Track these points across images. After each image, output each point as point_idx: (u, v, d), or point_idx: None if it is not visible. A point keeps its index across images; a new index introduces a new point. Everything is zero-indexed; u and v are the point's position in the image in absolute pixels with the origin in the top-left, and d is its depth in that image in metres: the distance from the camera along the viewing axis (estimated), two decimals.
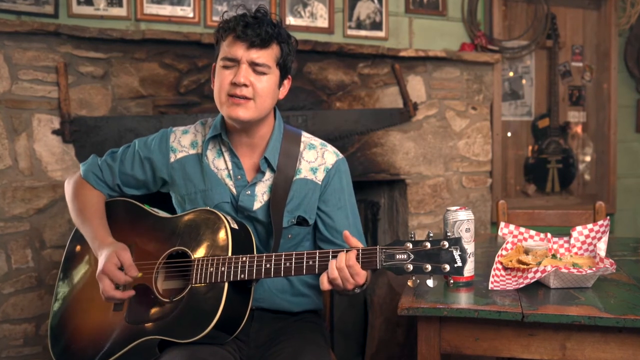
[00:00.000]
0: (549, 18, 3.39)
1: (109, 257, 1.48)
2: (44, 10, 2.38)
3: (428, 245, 1.32)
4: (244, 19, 1.51)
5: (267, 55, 1.53)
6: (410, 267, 1.31)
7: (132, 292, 1.50)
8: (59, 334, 1.58)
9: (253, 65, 1.51)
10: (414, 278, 1.33)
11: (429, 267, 1.30)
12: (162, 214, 1.65)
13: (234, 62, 1.51)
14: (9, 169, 2.31)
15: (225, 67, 1.52)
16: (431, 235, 1.34)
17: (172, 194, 1.71)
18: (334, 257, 1.38)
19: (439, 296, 1.43)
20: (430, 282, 1.32)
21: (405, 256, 1.33)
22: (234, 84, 1.50)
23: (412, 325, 2.69)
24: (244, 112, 1.52)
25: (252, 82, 1.51)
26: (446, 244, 1.31)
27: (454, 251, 1.30)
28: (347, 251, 1.37)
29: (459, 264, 1.30)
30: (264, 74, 1.53)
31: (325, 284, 1.38)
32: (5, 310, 2.33)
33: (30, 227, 2.35)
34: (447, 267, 1.29)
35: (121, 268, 1.48)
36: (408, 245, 1.33)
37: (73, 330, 1.57)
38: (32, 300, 2.36)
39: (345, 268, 1.36)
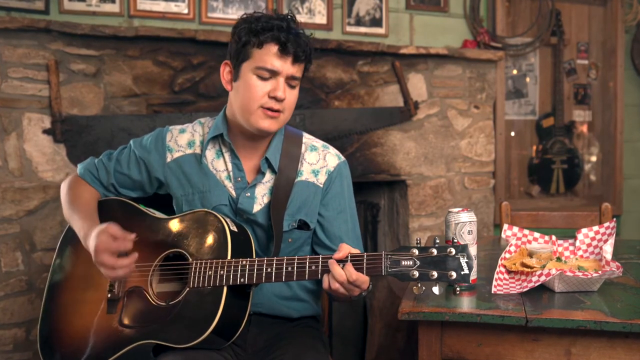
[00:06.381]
0: (553, 14, 3.35)
1: (99, 233, 1.42)
2: (34, 7, 2.35)
3: (434, 251, 1.31)
4: (289, 30, 1.46)
5: (301, 69, 1.53)
6: (416, 273, 1.30)
7: (135, 256, 1.43)
8: (49, 338, 1.55)
9: (289, 79, 1.50)
10: (419, 285, 1.32)
11: (435, 274, 1.29)
12: (158, 214, 1.62)
13: (273, 73, 1.48)
14: None
15: (261, 77, 1.48)
16: (437, 241, 1.33)
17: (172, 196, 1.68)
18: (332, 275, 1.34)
19: (441, 300, 1.42)
20: (436, 290, 1.31)
21: (411, 262, 1.31)
22: (273, 98, 1.48)
23: (412, 330, 2.64)
24: (274, 125, 1.52)
25: (286, 96, 1.50)
26: (453, 250, 1.30)
27: (461, 258, 1.29)
28: (343, 265, 1.34)
29: (466, 271, 1.29)
30: (295, 87, 1.53)
31: (325, 286, 1.37)
32: None
33: (21, 229, 2.31)
34: (454, 274, 1.28)
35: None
36: (414, 251, 1.32)
37: (64, 335, 1.54)
38: (23, 305, 2.32)
39: (347, 283, 1.34)
